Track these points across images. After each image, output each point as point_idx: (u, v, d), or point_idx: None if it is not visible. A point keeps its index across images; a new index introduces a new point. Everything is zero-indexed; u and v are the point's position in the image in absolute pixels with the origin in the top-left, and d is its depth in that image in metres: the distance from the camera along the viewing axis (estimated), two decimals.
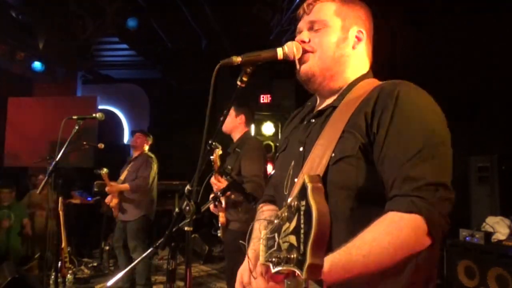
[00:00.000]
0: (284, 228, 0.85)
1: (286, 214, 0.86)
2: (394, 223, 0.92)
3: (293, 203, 0.81)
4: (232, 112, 3.20)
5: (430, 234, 0.92)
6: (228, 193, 2.82)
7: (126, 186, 4.37)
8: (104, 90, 8.95)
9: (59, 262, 3.55)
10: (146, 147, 4.72)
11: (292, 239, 0.78)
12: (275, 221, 0.93)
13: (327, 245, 0.72)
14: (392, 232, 0.91)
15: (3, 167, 7.12)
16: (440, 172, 0.97)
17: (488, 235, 3.15)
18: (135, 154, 4.69)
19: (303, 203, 0.76)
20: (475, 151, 3.95)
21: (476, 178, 3.58)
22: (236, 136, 3.28)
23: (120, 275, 1.64)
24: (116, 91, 9.37)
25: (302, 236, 0.74)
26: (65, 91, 7.74)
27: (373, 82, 1.17)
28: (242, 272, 1.16)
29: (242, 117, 3.24)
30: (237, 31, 6.65)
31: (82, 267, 5.58)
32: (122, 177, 4.52)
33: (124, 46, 6.91)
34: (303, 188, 0.78)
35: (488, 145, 3.86)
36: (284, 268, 0.81)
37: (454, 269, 3.28)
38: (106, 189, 4.31)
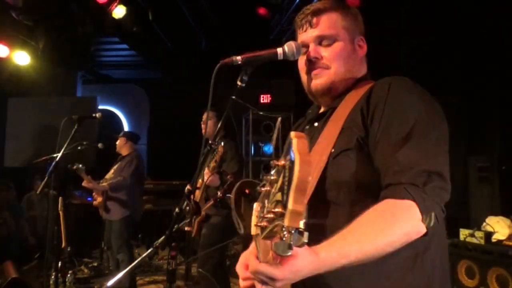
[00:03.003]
0: (272, 190, 0.81)
1: (274, 177, 0.81)
2: (388, 210, 0.92)
3: (279, 163, 0.77)
4: (213, 116, 3.33)
5: (424, 221, 0.92)
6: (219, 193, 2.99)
7: (104, 185, 4.40)
8: (104, 90, 8.92)
9: (59, 262, 3.55)
10: (133, 146, 4.77)
11: (279, 196, 0.73)
12: (265, 189, 0.88)
13: (306, 194, 0.68)
14: (386, 217, 0.91)
15: (3, 167, 7.11)
16: (433, 160, 0.97)
17: (488, 235, 3.15)
18: (123, 154, 4.75)
19: (288, 157, 0.73)
20: (475, 151, 3.95)
21: (476, 178, 3.58)
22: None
23: (120, 275, 1.64)
24: (116, 91, 9.35)
25: (285, 188, 0.70)
26: (65, 91, 7.73)
27: (371, 82, 1.19)
28: (246, 255, 1.11)
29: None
30: (237, 31, 6.65)
31: (82, 267, 5.57)
32: (108, 176, 4.57)
33: (124, 46, 6.89)
34: (289, 144, 0.74)
35: (488, 145, 3.86)
36: (270, 227, 0.74)
37: (454, 269, 3.28)
38: (83, 183, 4.32)
